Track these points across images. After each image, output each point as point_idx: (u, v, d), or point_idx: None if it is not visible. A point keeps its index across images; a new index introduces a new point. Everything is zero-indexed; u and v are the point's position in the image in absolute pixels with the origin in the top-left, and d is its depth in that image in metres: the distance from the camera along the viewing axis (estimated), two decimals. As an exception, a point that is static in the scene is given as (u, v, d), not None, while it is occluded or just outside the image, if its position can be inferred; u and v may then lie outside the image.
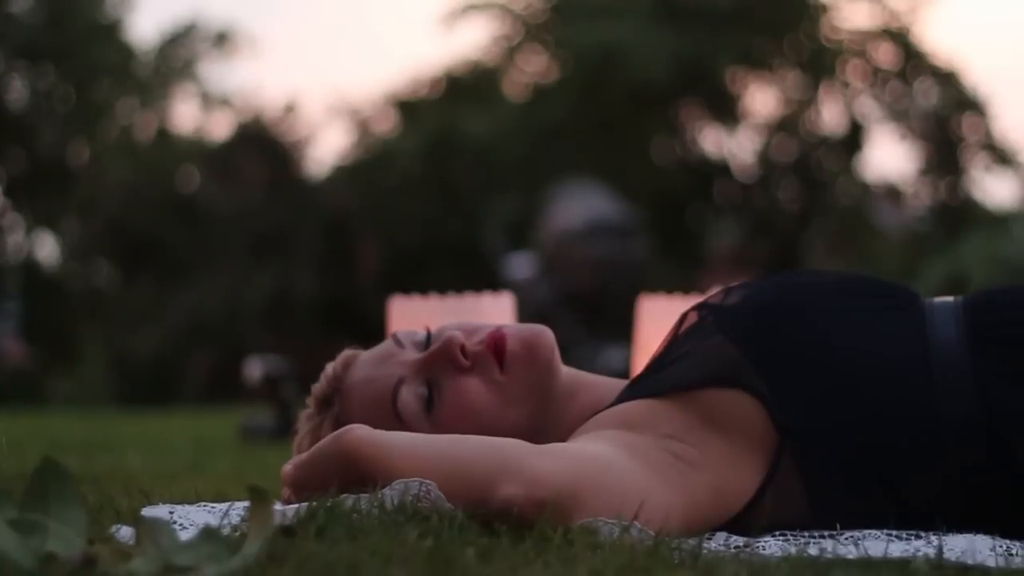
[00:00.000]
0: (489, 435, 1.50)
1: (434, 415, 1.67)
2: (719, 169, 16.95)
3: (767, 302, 1.61)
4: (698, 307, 1.64)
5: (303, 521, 1.31)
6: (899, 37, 16.07)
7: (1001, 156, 16.03)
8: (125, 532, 1.37)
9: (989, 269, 10.91)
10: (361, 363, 1.75)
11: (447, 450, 1.45)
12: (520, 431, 1.59)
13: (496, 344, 1.67)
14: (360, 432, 1.49)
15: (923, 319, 1.58)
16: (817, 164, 16.72)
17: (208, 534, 1.14)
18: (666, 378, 1.57)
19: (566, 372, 1.72)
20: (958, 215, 15.73)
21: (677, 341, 1.61)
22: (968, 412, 1.50)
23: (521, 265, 8.47)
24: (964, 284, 10.29)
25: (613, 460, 1.45)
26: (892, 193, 16.94)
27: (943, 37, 31.77)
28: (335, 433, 1.52)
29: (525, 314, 3.24)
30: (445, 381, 1.67)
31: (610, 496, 1.40)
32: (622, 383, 1.70)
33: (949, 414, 1.51)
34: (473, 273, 10.58)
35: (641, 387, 1.59)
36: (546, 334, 1.70)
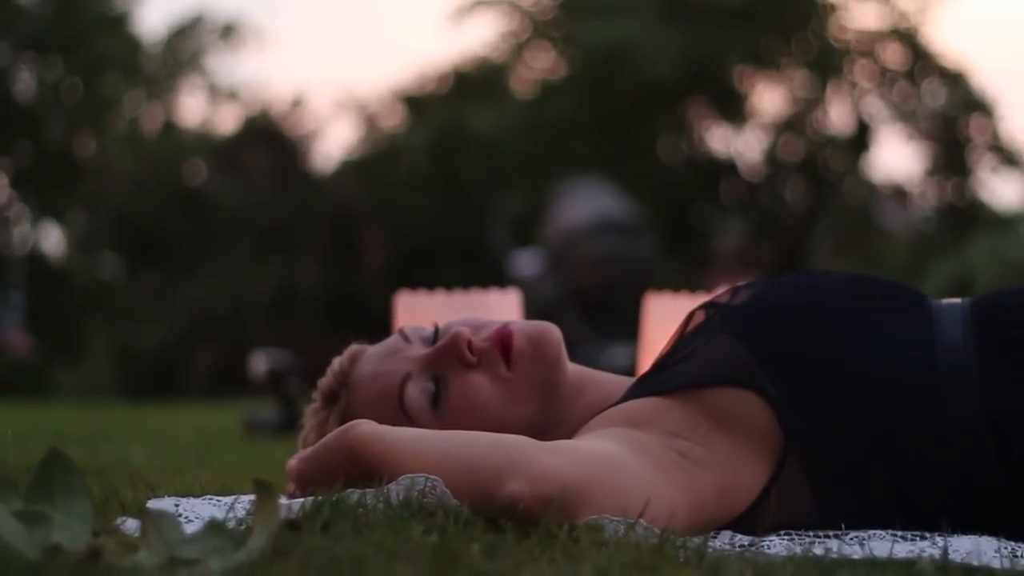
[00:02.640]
0: (495, 431, 1.50)
1: (440, 411, 1.66)
2: (726, 168, 16.95)
3: (774, 302, 1.61)
4: (705, 306, 1.64)
5: (308, 516, 1.30)
6: (907, 37, 16.07)
7: (1008, 157, 16.03)
8: (130, 524, 1.37)
9: (995, 270, 10.91)
10: (367, 358, 1.75)
11: (453, 446, 1.44)
12: (526, 428, 1.59)
13: (503, 340, 1.67)
14: (366, 427, 1.49)
15: (930, 320, 1.58)
16: (824, 164, 16.72)
17: (213, 527, 1.14)
18: (673, 376, 1.57)
19: (572, 369, 1.72)
20: (965, 216, 15.74)
21: (684, 339, 1.61)
22: (974, 413, 1.50)
23: (526, 262, 8.46)
24: (970, 285, 10.30)
25: (619, 457, 1.45)
26: (899, 193, 16.94)
27: (951, 38, 31.74)
28: (341, 428, 1.52)
29: (530, 311, 3.23)
30: (451, 377, 1.67)
31: (616, 493, 1.40)
32: (628, 380, 1.69)
33: (955, 415, 1.50)
34: (479, 269, 10.57)
35: (647, 385, 1.59)
36: (553, 331, 1.69)
